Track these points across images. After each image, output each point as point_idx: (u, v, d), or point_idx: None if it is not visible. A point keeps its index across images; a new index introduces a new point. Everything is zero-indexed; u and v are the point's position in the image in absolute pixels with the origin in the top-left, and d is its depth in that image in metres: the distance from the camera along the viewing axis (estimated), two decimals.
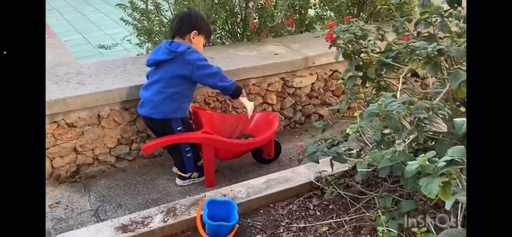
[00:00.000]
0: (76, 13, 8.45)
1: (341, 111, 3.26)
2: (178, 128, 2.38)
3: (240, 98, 2.49)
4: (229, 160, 2.69)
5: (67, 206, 2.33)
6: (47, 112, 2.29)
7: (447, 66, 1.55)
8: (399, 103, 1.28)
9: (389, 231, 1.60)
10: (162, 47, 2.36)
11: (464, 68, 1.47)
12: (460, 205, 1.47)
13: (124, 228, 1.88)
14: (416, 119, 1.39)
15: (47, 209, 2.31)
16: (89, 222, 2.21)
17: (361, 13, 3.52)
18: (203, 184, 2.51)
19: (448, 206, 1.15)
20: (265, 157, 2.66)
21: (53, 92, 2.35)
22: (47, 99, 2.28)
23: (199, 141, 2.37)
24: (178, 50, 2.30)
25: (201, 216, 1.92)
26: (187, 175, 2.49)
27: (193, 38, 2.38)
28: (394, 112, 1.30)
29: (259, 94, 2.95)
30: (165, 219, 1.95)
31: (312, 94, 3.15)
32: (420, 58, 1.47)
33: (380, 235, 1.56)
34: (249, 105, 2.55)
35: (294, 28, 3.58)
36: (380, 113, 1.31)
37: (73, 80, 2.50)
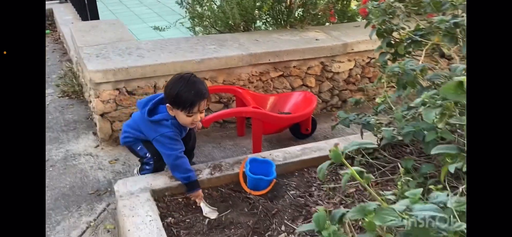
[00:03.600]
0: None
1: (374, 90, 3.51)
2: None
3: (196, 198, 2.15)
4: (268, 135, 3.06)
5: (124, 162, 2.79)
6: (112, 79, 2.76)
7: (465, 39, 1.85)
8: (416, 65, 1.60)
9: (408, 186, 1.91)
10: (140, 114, 2.30)
11: None
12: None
13: None
14: (433, 83, 1.71)
15: (108, 164, 2.77)
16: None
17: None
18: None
19: (451, 169, 1.44)
20: (303, 132, 3.02)
21: (117, 62, 2.81)
22: (112, 67, 2.74)
23: (250, 115, 2.78)
24: (152, 119, 2.23)
25: (243, 171, 2.30)
26: None
27: (171, 109, 2.21)
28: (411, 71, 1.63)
29: (299, 77, 3.30)
30: (212, 173, 2.34)
31: (349, 79, 3.47)
32: (440, 31, 1.79)
33: (400, 188, 1.88)
34: (205, 209, 2.11)
35: (336, 19, 3.91)
36: (399, 71, 1.64)
37: (134, 53, 2.96)
